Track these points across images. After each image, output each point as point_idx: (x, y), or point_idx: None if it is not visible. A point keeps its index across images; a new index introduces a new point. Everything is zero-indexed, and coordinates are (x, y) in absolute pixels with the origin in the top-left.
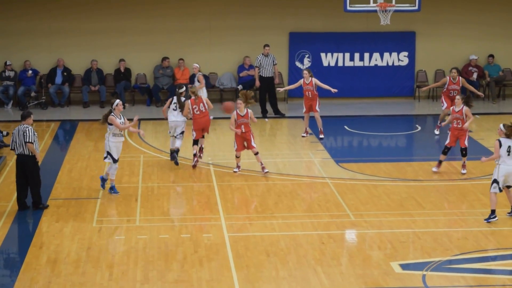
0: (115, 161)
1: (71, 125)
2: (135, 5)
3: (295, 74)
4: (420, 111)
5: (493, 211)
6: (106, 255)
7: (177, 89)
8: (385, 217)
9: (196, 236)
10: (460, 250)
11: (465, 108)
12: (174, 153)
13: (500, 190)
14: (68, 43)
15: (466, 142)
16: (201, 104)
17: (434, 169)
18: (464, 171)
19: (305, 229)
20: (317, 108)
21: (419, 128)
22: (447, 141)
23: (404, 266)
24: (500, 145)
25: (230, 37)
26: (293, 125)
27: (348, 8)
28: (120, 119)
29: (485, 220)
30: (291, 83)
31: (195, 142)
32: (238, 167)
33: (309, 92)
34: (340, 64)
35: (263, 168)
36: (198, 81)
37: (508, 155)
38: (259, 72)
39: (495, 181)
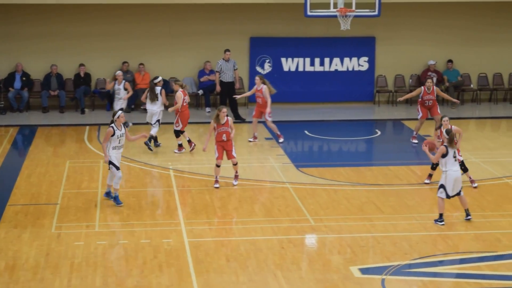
0: (118, 168)
1: (30, 131)
2: (96, 10)
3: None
4: (380, 116)
5: (440, 215)
6: (65, 261)
7: (152, 80)
8: (344, 221)
9: (156, 242)
10: (419, 254)
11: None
12: (148, 139)
13: (448, 197)
14: (27, 47)
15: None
16: (187, 97)
17: (427, 181)
18: (428, 181)
19: (265, 234)
20: (267, 116)
21: (379, 132)
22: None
23: (364, 271)
24: (447, 152)
25: (190, 42)
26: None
27: (309, 13)
28: (121, 130)
29: (434, 221)
30: (252, 88)
31: (181, 132)
32: (217, 181)
33: (260, 99)
34: (300, 69)
35: (236, 177)
36: (125, 89)
37: (455, 161)
38: (219, 77)
39: (442, 186)
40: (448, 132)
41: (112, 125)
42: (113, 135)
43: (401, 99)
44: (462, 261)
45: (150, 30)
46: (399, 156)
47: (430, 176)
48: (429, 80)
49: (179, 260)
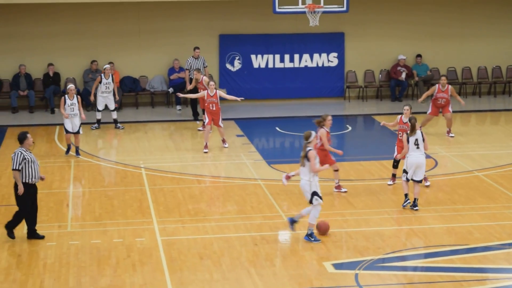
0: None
1: (0, 131)
2: (64, 9)
3: (225, 76)
4: (351, 111)
5: (405, 195)
6: (37, 262)
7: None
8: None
9: (129, 241)
10: (392, 248)
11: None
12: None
13: (408, 180)
14: None
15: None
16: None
17: (391, 183)
18: (391, 183)
19: (238, 231)
20: (220, 123)
21: (350, 128)
22: (395, 154)
23: (337, 266)
24: (408, 140)
25: (159, 40)
26: (225, 127)
27: (277, 9)
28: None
29: (402, 205)
30: (222, 85)
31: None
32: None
33: (213, 105)
34: (270, 65)
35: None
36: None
37: (417, 148)
38: (189, 75)
39: (404, 170)
40: (410, 119)
41: None
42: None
43: (420, 100)
44: (434, 254)
45: (119, 28)
46: (370, 151)
47: (394, 176)
48: (443, 78)
49: (152, 259)
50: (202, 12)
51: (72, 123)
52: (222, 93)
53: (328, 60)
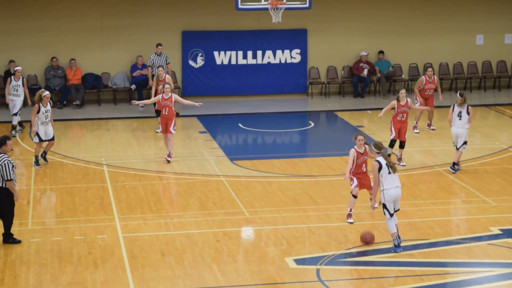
0: None
1: None
2: (24, 5)
3: (188, 72)
4: (313, 108)
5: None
6: None
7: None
8: (279, 213)
9: (90, 238)
10: (354, 243)
11: (410, 101)
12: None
13: (392, 215)
14: None
15: (406, 136)
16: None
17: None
18: (403, 163)
19: (200, 227)
20: (172, 129)
21: (312, 124)
22: (392, 135)
23: (299, 261)
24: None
25: (122, 37)
26: (187, 124)
27: (240, 6)
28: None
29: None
30: (185, 82)
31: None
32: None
33: (166, 109)
34: (233, 62)
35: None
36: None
37: (460, 119)
38: (152, 72)
39: (384, 206)
40: (462, 94)
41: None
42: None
43: (417, 105)
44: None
45: (81, 24)
46: (333, 147)
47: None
48: (430, 69)
49: (114, 256)
50: (165, 8)
51: (46, 130)
52: (178, 97)
53: (291, 57)
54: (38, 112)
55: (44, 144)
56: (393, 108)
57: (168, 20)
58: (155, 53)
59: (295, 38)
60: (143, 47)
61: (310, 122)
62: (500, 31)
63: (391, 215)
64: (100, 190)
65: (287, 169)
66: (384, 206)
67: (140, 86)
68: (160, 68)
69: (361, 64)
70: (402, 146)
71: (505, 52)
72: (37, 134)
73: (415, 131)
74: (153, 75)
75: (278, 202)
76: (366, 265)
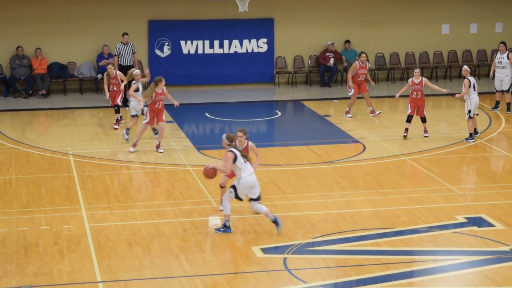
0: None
1: None
2: None
3: (155, 62)
4: (280, 97)
5: (475, 130)
6: None
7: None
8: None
9: (57, 228)
10: (320, 232)
11: (425, 79)
12: None
13: (471, 117)
14: None
15: (424, 112)
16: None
17: (405, 134)
18: (427, 135)
19: (167, 217)
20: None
21: (279, 113)
22: (409, 111)
23: (266, 250)
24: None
25: (88, 26)
26: None
27: None
28: None
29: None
30: (152, 72)
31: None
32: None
33: (160, 103)
34: (200, 51)
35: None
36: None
37: (474, 90)
38: (118, 61)
39: (469, 110)
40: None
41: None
42: None
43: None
44: (362, 238)
45: (46, 14)
46: (299, 137)
47: (406, 130)
48: (363, 55)
49: (80, 246)
50: None
51: None
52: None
53: (258, 46)
54: None
55: None
56: (409, 87)
57: (134, 9)
58: (121, 42)
59: (261, 27)
60: (109, 37)
61: (277, 111)
62: (466, 20)
63: (238, 198)
64: (67, 180)
65: (253, 158)
66: (235, 188)
67: None
68: (110, 66)
69: (327, 54)
70: (423, 121)
71: (470, 41)
72: None
73: (349, 115)
74: (119, 65)
75: None
76: (333, 253)
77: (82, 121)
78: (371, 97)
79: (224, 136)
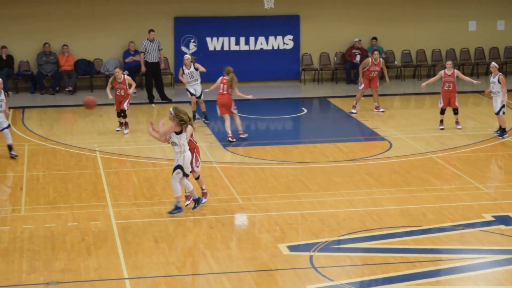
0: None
1: None
2: None
3: (180, 59)
4: (306, 94)
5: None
6: None
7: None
8: (272, 200)
9: (83, 224)
10: (346, 230)
11: (457, 71)
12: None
13: (187, 176)
14: None
15: (456, 103)
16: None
17: (441, 127)
18: (459, 127)
19: (193, 213)
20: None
21: (305, 110)
22: (441, 105)
23: (292, 248)
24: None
25: (114, 23)
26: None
27: None
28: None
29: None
30: (177, 68)
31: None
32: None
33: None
34: (226, 48)
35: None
36: (197, 69)
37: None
38: (144, 58)
39: (181, 167)
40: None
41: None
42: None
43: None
44: (388, 236)
45: (73, 10)
46: (325, 134)
47: (442, 121)
48: (376, 52)
49: (107, 242)
50: None
51: None
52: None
53: (284, 43)
54: None
55: None
56: (440, 78)
57: (160, 6)
58: (147, 39)
59: (287, 24)
60: (135, 33)
61: (303, 108)
62: (493, 17)
63: (187, 175)
64: (93, 177)
65: (280, 155)
66: (181, 167)
67: (133, 72)
68: (117, 69)
69: (353, 50)
70: (455, 112)
71: (497, 38)
72: None
73: (354, 110)
74: (145, 61)
75: (271, 188)
76: (359, 251)
77: (109, 117)
78: (399, 94)
79: (172, 109)
